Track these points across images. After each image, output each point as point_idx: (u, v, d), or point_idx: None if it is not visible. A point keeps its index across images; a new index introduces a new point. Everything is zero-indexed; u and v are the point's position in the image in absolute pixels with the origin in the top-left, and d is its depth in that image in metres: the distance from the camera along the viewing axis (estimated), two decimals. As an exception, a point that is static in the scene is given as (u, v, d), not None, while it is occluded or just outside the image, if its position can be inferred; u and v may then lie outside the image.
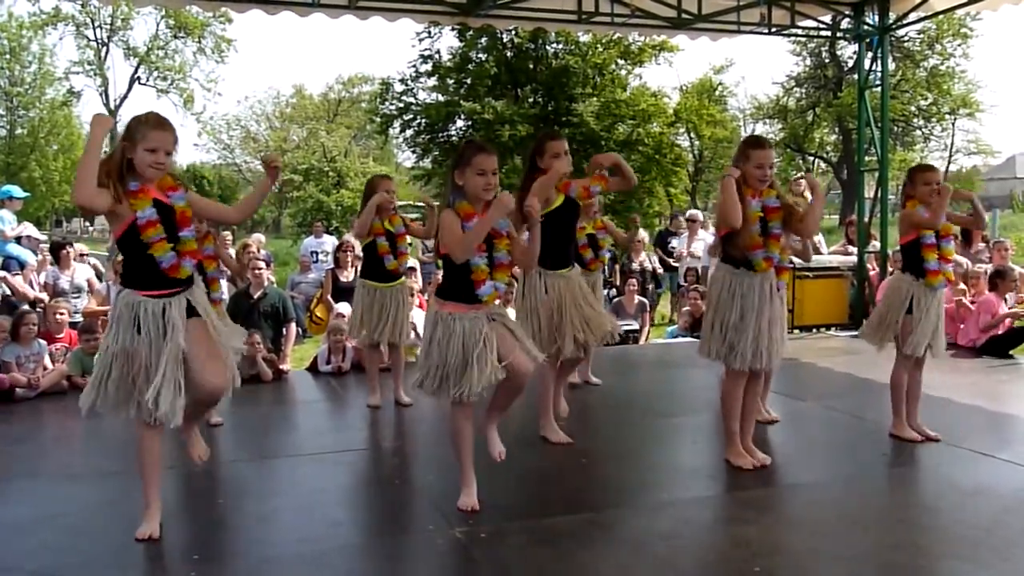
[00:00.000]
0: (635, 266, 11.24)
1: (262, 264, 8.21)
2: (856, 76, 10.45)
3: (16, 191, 10.21)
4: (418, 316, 7.04)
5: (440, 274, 4.12)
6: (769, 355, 4.40)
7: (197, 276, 3.73)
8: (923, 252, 4.85)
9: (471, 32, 21.04)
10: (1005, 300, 8.26)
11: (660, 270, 11.93)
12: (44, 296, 9.00)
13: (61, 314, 7.50)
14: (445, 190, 3.93)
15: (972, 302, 8.31)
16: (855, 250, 10.18)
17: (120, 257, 7.88)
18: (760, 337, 4.36)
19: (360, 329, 6.11)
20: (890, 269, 9.58)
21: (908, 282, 4.93)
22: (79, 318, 8.40)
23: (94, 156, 3.33)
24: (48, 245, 10.18)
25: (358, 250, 10.81)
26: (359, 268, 6.45)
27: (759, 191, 4.41)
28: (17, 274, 9.10)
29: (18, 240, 9.65)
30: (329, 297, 9.55)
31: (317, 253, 12.55)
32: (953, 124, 35.45)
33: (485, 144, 3.87)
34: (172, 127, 3.57)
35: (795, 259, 6.39)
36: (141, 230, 3.45)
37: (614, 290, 10.93)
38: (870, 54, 9.85)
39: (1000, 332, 8.04)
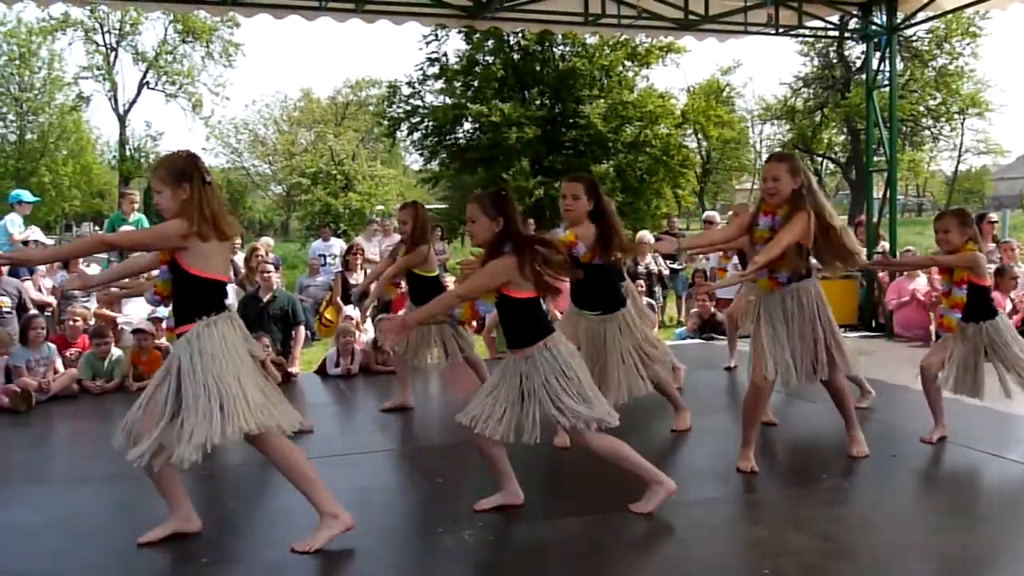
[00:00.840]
0: (641, 269, 11.21)
1: (271, 267, 8.23)
2: (864, 76, 10.43)
3: (25, 195, 10.22)
4: None
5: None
6: (815, 370, 4.42)
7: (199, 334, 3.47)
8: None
9: (478, 35, 21.05)
10: (1011, 300, 8.29)
11: (667, 273, 11.88)
12: (52, 300, 9.01)
13: (76, 321, 7.52)
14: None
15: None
16: (864, 251, 10.16)
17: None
18: (798, 351, 4.38)
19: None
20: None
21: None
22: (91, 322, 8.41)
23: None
24: None
25: (368, 253, 10.87)
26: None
27: (772, 207, 4.38)
28: (27, 279, 9.12)
29: (25, 244, 9.65)
30: (339, 299, 9.57)
31: (325, 256, 12.57)
32: (962, 124, 35.33)
33: (477, 194, 3.96)
34: (154, 169, 3.59)
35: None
36: None
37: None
38: (878, 54, 9.82)
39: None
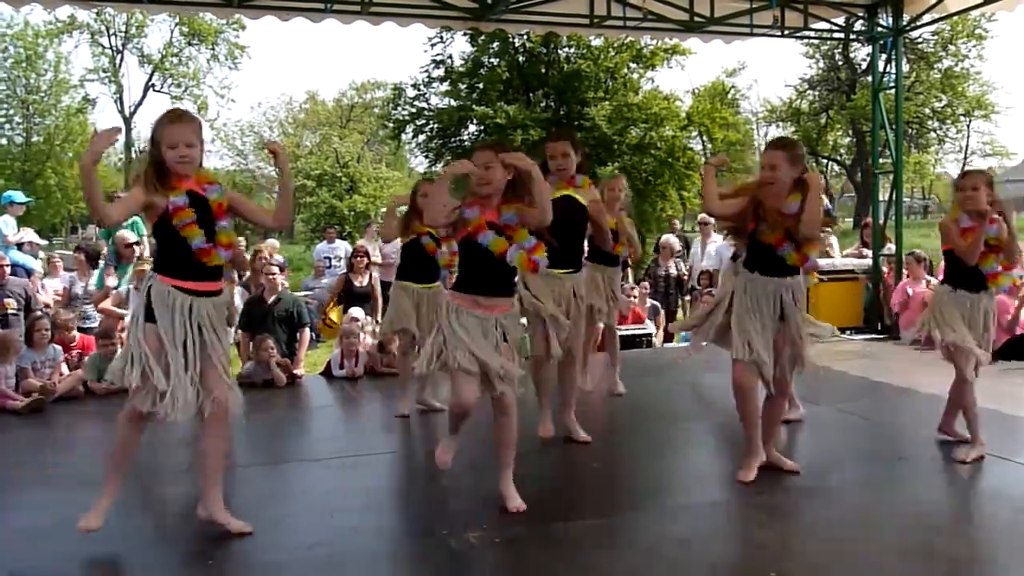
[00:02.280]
0: (661, 271, 11.15)
1: (276, 269, 8.22)
2: (870, 78, 10.41)
3: (17, 196, 10.14)
4: None
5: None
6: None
7: (228, 292, 3.78)
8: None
9: (483, 37, 21.06)
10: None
11: (686, 276, 11.78)
12: (50, 301, 9.00)
13: (69, 327, 7.51)
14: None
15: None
16: (870, 253, 10.14)
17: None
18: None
19: (392, 329, 6.05)
20: (904, 272, 9.53)
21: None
22: (94, 323, 8.39)
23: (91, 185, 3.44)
24: (74, 250, 10.17)
25: (373, 256, 10.86)
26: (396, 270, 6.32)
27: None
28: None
29: (19, 246, 9.64)
30: (338, 296, 9.56)
31: (330, 258, 12.59)
32: (968, 126, 35.33)
33: (488, 141, 3.96)
34: (189, 118, 3.63)
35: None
36: (172, 215, 3.52)
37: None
38: (884, 56, 9.80)
39: (1019, 334, 8.03)
